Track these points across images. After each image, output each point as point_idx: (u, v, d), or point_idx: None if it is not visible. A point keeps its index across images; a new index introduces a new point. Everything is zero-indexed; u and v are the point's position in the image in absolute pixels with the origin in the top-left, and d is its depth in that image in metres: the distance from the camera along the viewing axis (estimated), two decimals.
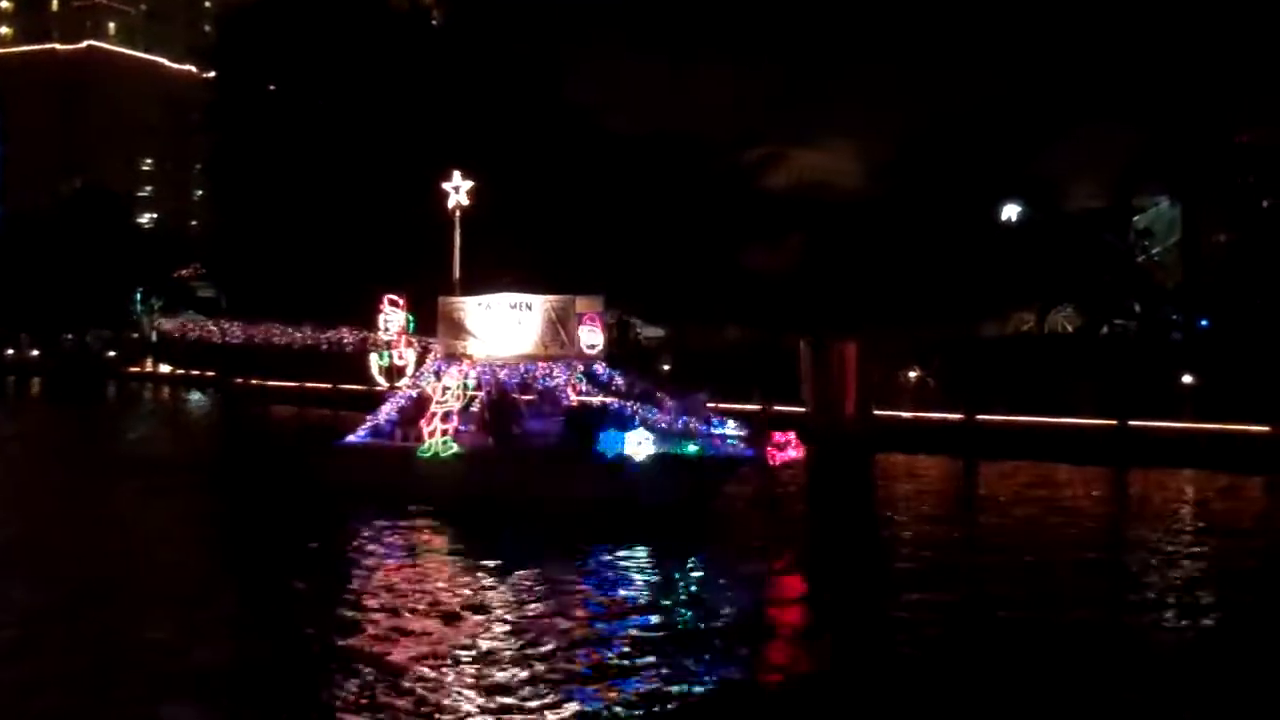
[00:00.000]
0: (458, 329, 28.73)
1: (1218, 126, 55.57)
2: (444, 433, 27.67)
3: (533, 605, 17.39)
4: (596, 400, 28.14)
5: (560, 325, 27.84)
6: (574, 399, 28.99)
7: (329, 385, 64.77)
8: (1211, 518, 27.58)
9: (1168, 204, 60.52)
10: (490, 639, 15.50)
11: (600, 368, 28.68)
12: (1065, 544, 23.29)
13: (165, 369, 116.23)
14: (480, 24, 78.96)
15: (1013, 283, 54.88)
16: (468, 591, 18.57)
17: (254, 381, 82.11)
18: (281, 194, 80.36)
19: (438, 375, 28.58)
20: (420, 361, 29.88)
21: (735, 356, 51.40)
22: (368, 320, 30.91)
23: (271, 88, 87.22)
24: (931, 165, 57.84)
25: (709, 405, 27.84)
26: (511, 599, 17.87)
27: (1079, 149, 58.26)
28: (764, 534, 25.01)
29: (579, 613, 16.99)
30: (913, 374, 53.06)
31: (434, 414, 27.87)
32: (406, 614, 16.95)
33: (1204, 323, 51.22)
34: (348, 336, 31.49)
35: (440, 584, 19.26)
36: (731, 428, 25.74)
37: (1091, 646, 15.25)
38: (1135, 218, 59.26)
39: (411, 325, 30.27)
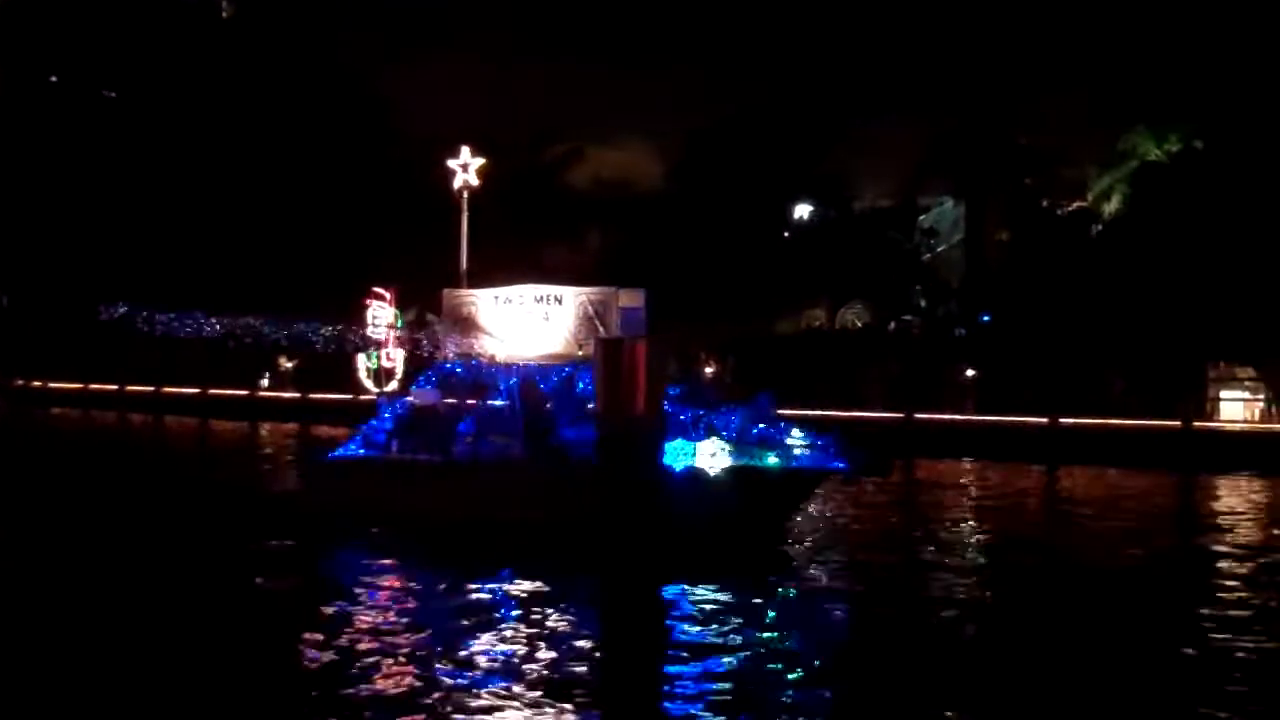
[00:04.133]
0: (469, 326, 25.80)
1: (1000, 128, 57.68)
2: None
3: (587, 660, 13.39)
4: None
5: (599, 321, 25.13)
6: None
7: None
8: (998, 506, 28.30)
9: (951, 203, 62.63)
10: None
11: None
12: (852, 541, 23.36)
13: None
14: (272, 18, 77.38)
15: (804, 280, 56.14)
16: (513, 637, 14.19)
17: (35, 384, 78.86)
18: (68, 189, 77.54)
19: (438, 383, 25.09)
20: (417, 363, 26.18)
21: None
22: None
23: (53, 79, 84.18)
24: (725, 164, 58.73)
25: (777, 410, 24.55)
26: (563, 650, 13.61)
27: (869, 150, 59.86)
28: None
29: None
30: (709, 370, 53.89)
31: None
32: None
33: (985, 318, 52.98)
34: (350, 336, 27.29)
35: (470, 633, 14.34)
36: (798, 435, 22.72)
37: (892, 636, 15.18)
38: (921, 217, 61.16)
39: (400, 322, 26.43)
